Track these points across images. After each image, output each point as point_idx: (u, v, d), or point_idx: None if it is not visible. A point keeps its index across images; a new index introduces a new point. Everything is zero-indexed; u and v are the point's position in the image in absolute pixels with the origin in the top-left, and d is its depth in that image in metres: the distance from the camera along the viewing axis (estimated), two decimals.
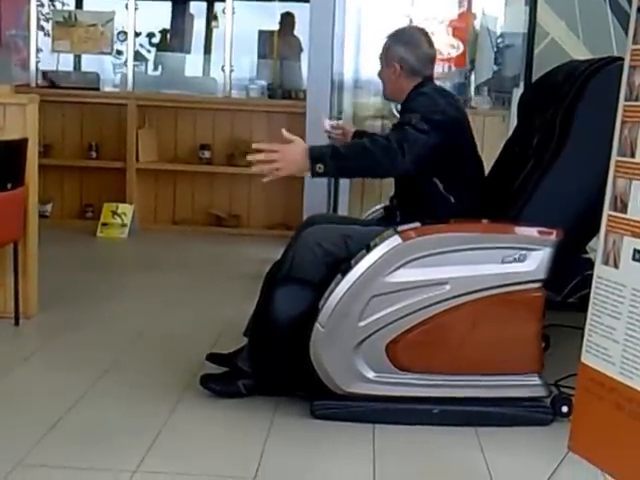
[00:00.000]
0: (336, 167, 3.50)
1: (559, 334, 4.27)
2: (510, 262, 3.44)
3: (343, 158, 3.49)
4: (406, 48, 3.83)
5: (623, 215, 2.64)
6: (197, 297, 5.48)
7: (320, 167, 3.45)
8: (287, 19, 9.05)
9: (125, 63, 8.47)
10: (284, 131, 3.55)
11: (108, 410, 3.62)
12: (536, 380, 3.56)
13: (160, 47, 9.60)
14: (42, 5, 8.51)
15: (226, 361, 3.86)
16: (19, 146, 4.59)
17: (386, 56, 3.88)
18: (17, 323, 4.70)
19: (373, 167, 3.56)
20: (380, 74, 3.95)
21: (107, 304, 5.10)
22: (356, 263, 3.41)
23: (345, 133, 4.33)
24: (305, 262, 3.57)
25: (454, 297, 3.43)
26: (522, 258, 3.45)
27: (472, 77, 7.35)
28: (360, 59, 7.36)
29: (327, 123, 4.35)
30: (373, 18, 7.48)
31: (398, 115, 6.46)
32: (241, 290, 5.08)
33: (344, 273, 3.42)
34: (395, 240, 3.41)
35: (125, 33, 8.48)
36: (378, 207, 4.29)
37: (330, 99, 6.56)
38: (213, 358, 3.94)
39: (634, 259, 2.59)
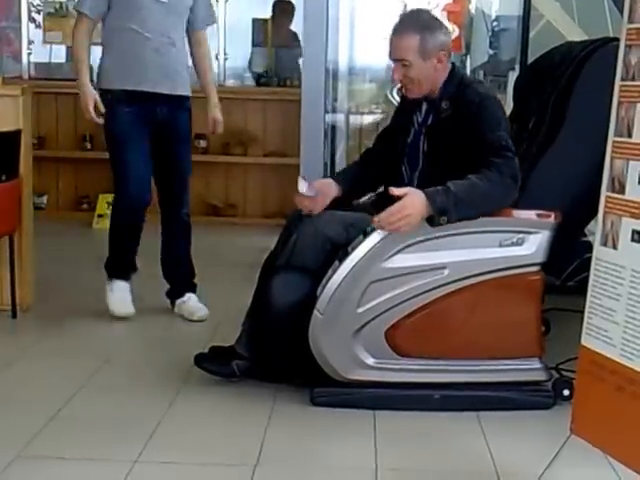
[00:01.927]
0: (458, 216, 3.35)
1: (559, 318, 4.27)
2: (508, 246, 3.43)
3: (465, 206, 3.34)
4: (444, 32, 3.62)
5: (621, 196, 2.64)
6: None
7: (444, 219, 3.33)
8: (280, 6, 9.01)
9: None
10: (392, 189, 3.40)
11: (107, 401, 3.62)
12: (537, 364, 3.55)
13: None
14: None
15: (226, 352, 3.85)
16: (13, 138, 4.57)
17: (423, 50, 3.55)
18: (14, 316, 4.68)
19: (492, 207, 3.42)
20: (407, 75, 3.62)
21: (104, 295, 5.06)
22: (353, 249, 3.40)
23: (324, 193, 3.79)
24: (306, 249, 3.54)
25: (453, 282, 3.42)
26: (520, 241, 3.43)
27: (468, 61, 7.33)
28: (355, 46, 7.34)
29: (304, 186, 3.74)
30: (367, 4, 7.46)
31: (394, 100, 6.48)
32: (238, 279, 5.06)
33: (341, 259, 3.41)
34: None
35: None
36: (371, 194, 4.24)
37: (325, 86, 6.54)
38: (215, 350, 3.92)
39: (633, 240, 2.59)
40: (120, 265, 4.77)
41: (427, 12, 3.92)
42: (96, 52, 4.79)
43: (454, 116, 3.58)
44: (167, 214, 4.76)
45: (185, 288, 4.83)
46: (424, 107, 3.73)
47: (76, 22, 4.58)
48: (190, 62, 4.78)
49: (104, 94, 4.48)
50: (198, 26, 4.71)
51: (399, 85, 3.87)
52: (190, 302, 4.78)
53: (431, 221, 3.34)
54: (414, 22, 3.63)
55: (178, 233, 4.80)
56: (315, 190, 3.74)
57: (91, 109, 4.42)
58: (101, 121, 4.49)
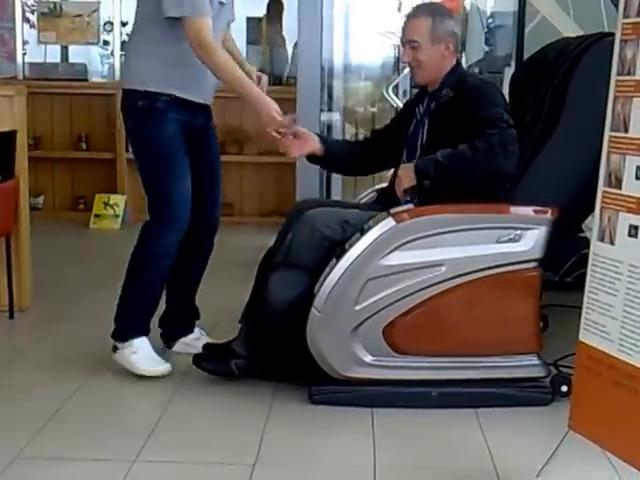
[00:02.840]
0: (441, 181, 3.49)
1: (557, 314, 4.27)
2: (505, 242, 3.43)
3: (446, 170, 3.48)
4: (455, 22, 3.76)
5: (618, 191, 2.64)
6: None
7: (427, 183, 3.50)
8: (274, 5, 9.02)
9: (112, 53, 8.45)
10: None
11: (105, 401, 3.62)
12: (535, 360, 3.55)
13: None
14: None
15: (223, 351, 3.86)
16: (8, 138, 4.57)
17: (433, 34, 3.67)
18: (12, 316, 4.68)
19: (477, 175, 3.49)
20: (415, 57, 3.71)
21: (101, 295, 5.06)
22: (350, 247, 3.40)
23: (305, 140, 3.90)
24: (303, 247, 3.56)
25: (450, 279, 3.42)
26: (517, 238, 3.44)
27: (463, 58, 7.30)
28: (350, 44, 7.32)
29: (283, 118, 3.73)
30: (362, 2, 7.44)
31: (390, 98, 6.49)
32: (236, 278, 5.06)
33: (339, 257, 3.41)
34: (389, 223, 3.39)
35: (111, 23, 8.47)
36: (370, 190, 4.26)
37: (320, 84, 6.52)
38: (210, 348, 3.92)
39: (630, 235, 2.59)
40: (144, 316, 3.94)
41: (440, 3, 4.20)
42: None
43: (454, 100, 3.66)
44: (195, 237, 3.96)
45: (194, 322, 4.22)
46: (426, 99, 3.83)
47: (198, 30, 3.62)
48: None
49: (150, 97, 3.75)
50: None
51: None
52: (205, 338, 4.15)
53: (419, 186, 3.51)
54: (427, 8, 3.86)
55: (201, 259, 4.14)
56: (291, 120, 3.80)
57: (278, 116, 3.66)
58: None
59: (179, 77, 3.75)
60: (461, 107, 3.60)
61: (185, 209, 3.81)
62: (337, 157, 4.04)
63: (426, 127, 3.75)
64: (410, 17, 3.79)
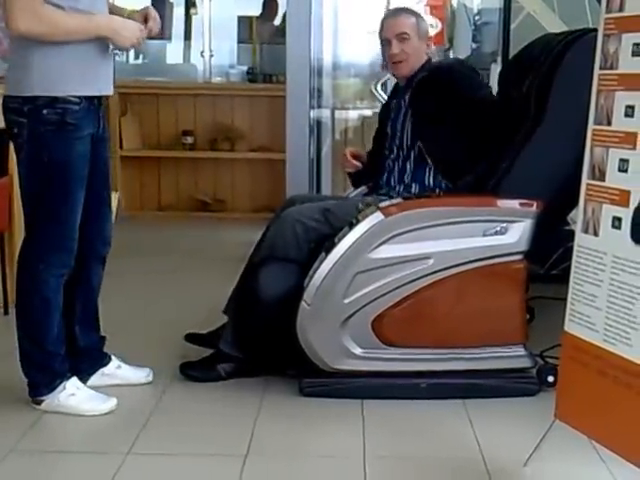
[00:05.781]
0: None
1: (543, 306, 4.30)
2: (492, 235, 3.46)
3: None
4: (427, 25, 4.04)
5: (601, 183, 2.67)
6: (184, 281, 5.49)
7: None
8: (269, 4, 9.06)
9: None
10: None
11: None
12: (521, 351, 3.59)
13: None
14: None
15: (205, 341, 3.89)
16: (0, 136, 4.57)
17: (419, 29, 3.92)
18: (6, 312, 4.70)
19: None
20: (404, 50, 3.90)
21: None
22: (339, 240, 3.43)
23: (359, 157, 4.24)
24: (286, 241, 3.60)
25: (437, 271, 3.45)
26: (503, 230, 3.47)
27: (451, 55, 7.32)
28: (338, 42, 7.35)
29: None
30: (350, 1, 7.47)
31: (378, 95, 6.52)
32: (227, 273, 5.06)
33: (328, 251, 3.44)
34: (377, 216, 3.43)
35: None
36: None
37: (310, 82, 6.56)
38: (191, 338, 3.96)
39: (613, 227, 2.63)
40: (62, 355, 3.48)
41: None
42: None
43: (428, 78, 3.83)
44: (88, 254, 3.52)
45: (104, 350, 3.74)
46: (400, 93, 4.00)
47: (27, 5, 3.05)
48: None
49: (59, 107, 3.18)
50: None
51: (388, 72, 4.13)
52: (126, 366, 3.75)
53: None
54: (407, 9, 4.06)
55: (97, 278, 3.67)
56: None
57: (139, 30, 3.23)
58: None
59: (81, 70, 3.20)
60: (438, 82, 3.76)
61: (73, 245, 3.34)
62: (364, 169, 4.18)
63: (409, 115, 3.87)
64: (394, 14, 4.01)
